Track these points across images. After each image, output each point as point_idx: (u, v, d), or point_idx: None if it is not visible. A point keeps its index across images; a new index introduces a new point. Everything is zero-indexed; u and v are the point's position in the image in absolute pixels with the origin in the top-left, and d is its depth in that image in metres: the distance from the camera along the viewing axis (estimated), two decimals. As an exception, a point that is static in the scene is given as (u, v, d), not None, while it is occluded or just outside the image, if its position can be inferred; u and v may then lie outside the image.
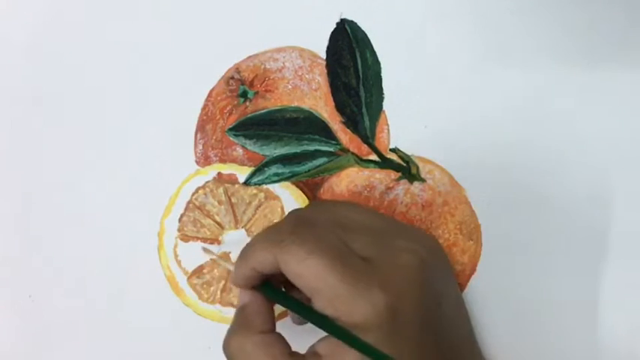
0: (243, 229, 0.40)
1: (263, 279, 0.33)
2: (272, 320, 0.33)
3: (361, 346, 0.29)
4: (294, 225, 0.32)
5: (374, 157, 0.40)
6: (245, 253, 0.33)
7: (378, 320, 0.29)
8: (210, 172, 0.40)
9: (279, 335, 0.32)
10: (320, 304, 0.30)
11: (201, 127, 0.41)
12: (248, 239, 0.39)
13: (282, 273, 0.31)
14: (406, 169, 0.39)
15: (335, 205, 0.36)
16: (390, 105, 0.40)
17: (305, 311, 0.31)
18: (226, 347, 0.32)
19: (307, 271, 0.30)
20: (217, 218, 0.40)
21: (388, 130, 0.40)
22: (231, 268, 0.37)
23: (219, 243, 0.40)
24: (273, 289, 0.33)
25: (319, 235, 0.31)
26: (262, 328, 0.32)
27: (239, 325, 0.32)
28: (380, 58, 0.40)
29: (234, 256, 0.39)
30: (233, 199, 0.40)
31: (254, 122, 0.40)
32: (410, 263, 0.31)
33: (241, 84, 0.41)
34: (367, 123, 0.39)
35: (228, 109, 0.40)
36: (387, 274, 0.30)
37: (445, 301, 0.33)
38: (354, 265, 0.30)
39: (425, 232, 0.38)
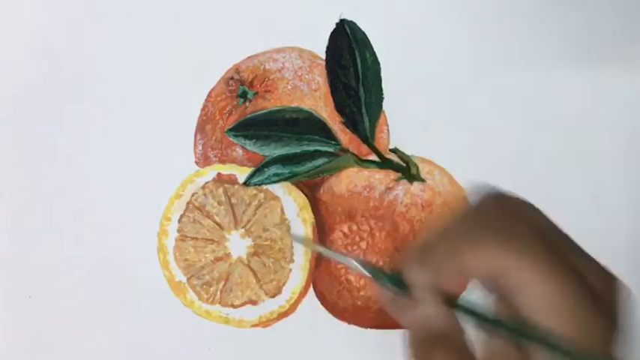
0: (243, 230, 0.40)
1: (449, 295, 0.28)
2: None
3: None
4: (539, 235, 0.28)
5: (374, 157, 0.39)
6: (459, 251, 0.27)
7: (607, 351, 0.26)
8: (210, 173, 0.40)
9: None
10: (551, 325, 0.26)
11: (200, 128, 0.41)
12: (248, 239, 0.39)
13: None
14: (406, 169, 0.39)
15: (535, 211, 0.30)
16: (390, 105, 0.40)
17: (530, 335, 0.27)
18: None
19: (547, 287, 0.26)
20: (217, 219, 0.40)
21: (388, 130, 0.40)
22: (365, 272, 0.31)
23: (218, 244, 0.40)
24: (472, 306, 0.29)
25: (562, 248, 0.28)
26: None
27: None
28: (380, 59, 0.39)
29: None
30: (233, 200, 0.40)
31: (254, 123, 0.40)
32: (624, 298, 0.28)
33: (241, 84, 0.40)
34: (367, 123, 0.39)
35: (227, 109, 0.40)
36: (611, 305, 0.28)
37: None
38: (587, 291, 0.27)
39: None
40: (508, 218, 0.28)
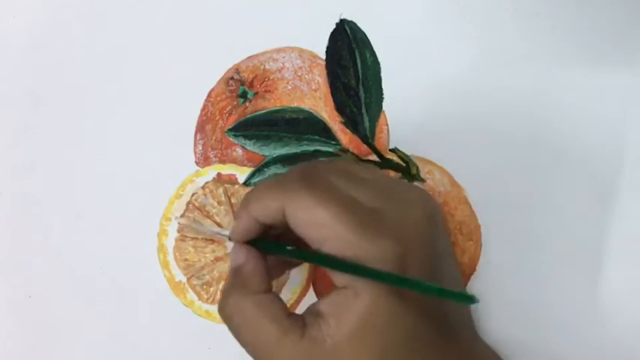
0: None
1: (259, 233, 0.32)
2: (268, 280, 0.32)
3: (382, 275, 0.28)
4: (302, 175, 0.31)
5: (374, 157, 0.39)
6: (248, 201, 0.32)
7: (387, 269, 0.28)
8: (210, 173, 0.40)
9: (276, 295, 0.32)
10: (331, 250, 0.29)
11: (200, 128, 0.41)
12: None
13: (273, 230, 0.32)
14: (406, 169, 0.39)
15: (338, 161, 0.36)
16: (389, 105, 0.40)
17: (313, 257, 0.30)
18: (223, 309, 0.31)
19: (315, 218, 0.29)
20: (217, 219, 0.40)
21: (388, 130, 0.40)
22: (213, 230, 0.38)
23: (218, 244, 0.40)
24: (271, 241, 0.33)
25: (327, 184, 0.30)
26: (259, 288, 0.31)
27: (235, 286, 0.32)
28: (380, 59, 0.40)
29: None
30: (233, 200, 0.40)
31: (254, 123, 0.40)
32: (419, 215, 0.31)
33: (241, 84, 0.40)
34: (367, 123, 0.39)
35: (227, 109, 0.40)
36: (396, 225, 0.30)
37: (448, 259, 0.33)
38: (363, 214, 0.29)
39: (425, 190, 0.37)
40: (291, 174, 0.32)
